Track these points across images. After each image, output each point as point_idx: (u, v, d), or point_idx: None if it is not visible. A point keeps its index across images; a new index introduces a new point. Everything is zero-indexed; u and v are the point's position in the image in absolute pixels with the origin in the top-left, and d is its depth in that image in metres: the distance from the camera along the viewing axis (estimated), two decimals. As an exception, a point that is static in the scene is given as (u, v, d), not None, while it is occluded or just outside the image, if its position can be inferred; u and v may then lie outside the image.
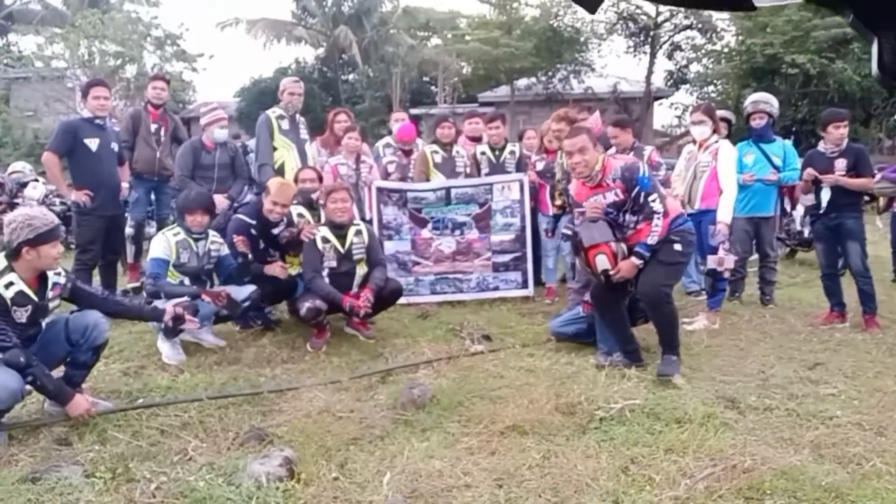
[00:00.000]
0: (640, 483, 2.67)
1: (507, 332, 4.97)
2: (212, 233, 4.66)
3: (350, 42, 24.12)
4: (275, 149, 5.85)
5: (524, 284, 5.96)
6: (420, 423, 3.28)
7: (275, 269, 4.78)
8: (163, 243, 4.48)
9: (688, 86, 22.99)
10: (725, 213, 4.87)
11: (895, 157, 17.25)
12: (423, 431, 3.20)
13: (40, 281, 3.23)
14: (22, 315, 3.14)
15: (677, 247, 3.92)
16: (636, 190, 3.84)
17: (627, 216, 3.94)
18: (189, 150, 5.69)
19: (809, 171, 5.02)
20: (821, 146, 5.07)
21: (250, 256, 4.73)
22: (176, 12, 51.35)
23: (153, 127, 6.03)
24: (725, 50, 19.97)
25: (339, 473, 2.77)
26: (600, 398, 3.48)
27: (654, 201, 3.84)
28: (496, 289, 5.94)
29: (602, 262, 3.91)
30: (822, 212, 5.05)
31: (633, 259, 3.90)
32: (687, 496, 2.57)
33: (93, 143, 5.17)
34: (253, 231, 4.81)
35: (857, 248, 4.93)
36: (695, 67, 22.29)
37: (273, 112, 5.93)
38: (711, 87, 20.60)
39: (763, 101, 5.64)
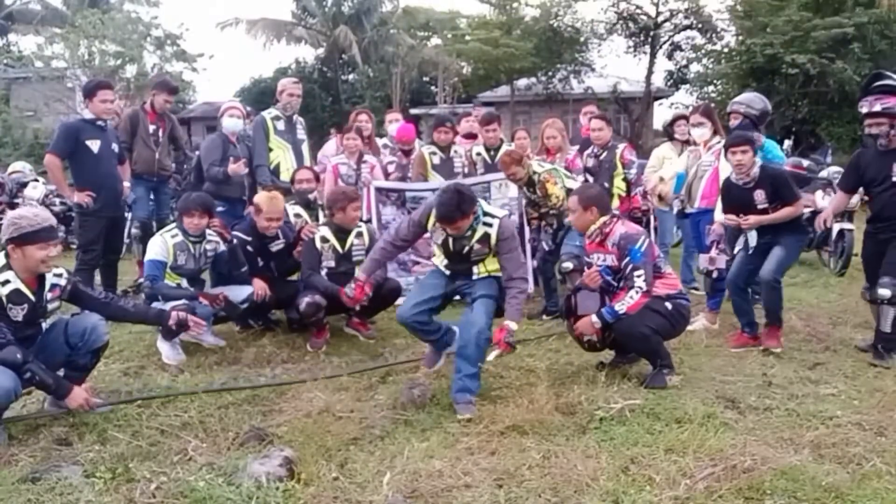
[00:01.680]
0: (640, 483, 2.67)
1: (507, 332, 4.96)
2: (208, 232, 4.63)
3: (350, 42, 24.11)
4: (270, 150, 5.85)
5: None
6: (420, 423, 3.28)
7: (258, 286, 4.68)
8: (160, 245, 4.46)
9: (688, 86, 22.96)
10: (722, 213, 4.85)
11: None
12: (423, 431, 3.20)
13: (39, 281, 3.23)
14: (18, 313, 3.14)
15: (668, 304, 3.83)
16: (626, 260, 3.77)
17: (621, 283, 3.87)
18: (218, 143, 5.72)
19: (731, 218, 4.49)
20: (732, 175, 4.50)
21: (235, 242, 4.68)
22: (176, 12, 51.33)
23: (151, 128, 6.04)
24: (725, 50, 19.93)
25: (339, 473, 2.77)
26: (600, 398, 3.48)
27: (638, 276, 3.73)
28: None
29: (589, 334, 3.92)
30: (751, 252, 4.50)
31: (593, 317, 3.78)
32: (687, 496, 2.57)
33: (94, 145, 5.18)
34: (249, 248, 4.79)
35: (779, 256, 4.36)
36: (695, 67, 22.24)
37: (269, 113, 5.93)
38: (711, 87, 20.54)
39: (738, 103, 5.48)
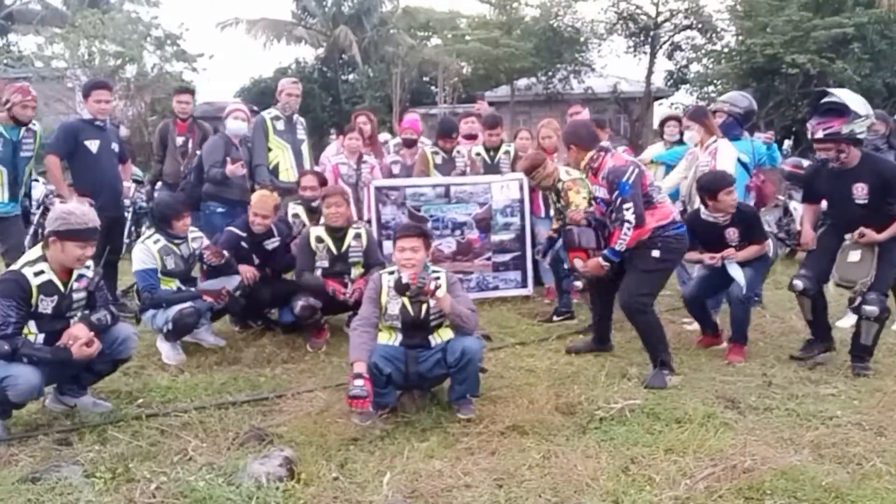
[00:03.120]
0: (640, 483, 2.67)
1: (506, 332, 4.97)
2: (189, 230, 4.56)
3: (350, 42, 24.09)
4: (269, 149, 5.85)
5: (523, 283, 5.97)
6: (420, 423, 3.29)
7: (246, 271, 4.63)
8: (144, 253, 4.36)
9: (688, 86, 22.95)
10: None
11: None
12: (423, 431, 3.21)
13: (70, 274, 3.26)
14: (48, 305, 3.17)
15: (655, 253, 3.85)
16: (616, 193, 3.86)
17: (614, 215, 3.95)
18: (221, 144, 5.68)
19: (708, 260, 4.35)
20: (704, 213, 4.37)
21: (226, 255, 4.64)
22: (176, 12, 51.29)
23: (179, 140, 6.12)
24: (725, 50, 19.92)
25: (339, 473, 2.78)
26: (600, 398, 3.49)
27: (627, 209, 3.79)
28: (496, 288, 5.95)
29: (578, 264, 4.16)
30: (708, 273, 4.44)
31: (599, 259, 3.96)
32: (687, 496, 2.57)
33: (93, 145, 5.17)
34: (244, 244, 4.77)
35: (749, 274, 4.29)
36: (695, 67, 22.20)
37: (268, 113, 5.93)
38: (711, 87, 20.54)
39: (722, 101, 5.48)
